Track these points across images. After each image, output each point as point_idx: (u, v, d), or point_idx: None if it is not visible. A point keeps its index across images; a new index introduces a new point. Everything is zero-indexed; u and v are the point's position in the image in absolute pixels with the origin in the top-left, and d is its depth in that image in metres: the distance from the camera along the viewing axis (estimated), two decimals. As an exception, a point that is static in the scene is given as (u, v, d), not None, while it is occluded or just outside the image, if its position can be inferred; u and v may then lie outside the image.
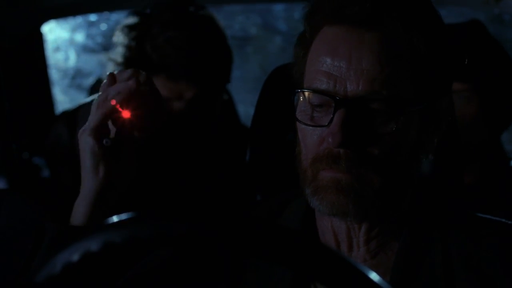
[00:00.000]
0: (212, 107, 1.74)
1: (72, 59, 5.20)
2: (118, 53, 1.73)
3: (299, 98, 1.01)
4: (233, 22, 6.06)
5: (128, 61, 1.71)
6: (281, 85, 1.12)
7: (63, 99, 4.76)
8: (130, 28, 1.74)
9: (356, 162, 0.96)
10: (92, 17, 4.80)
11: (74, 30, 5.11)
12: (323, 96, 0.98)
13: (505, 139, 1.91)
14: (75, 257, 0.68)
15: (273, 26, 6.15)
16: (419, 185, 1.06)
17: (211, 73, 1.70)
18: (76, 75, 5.18)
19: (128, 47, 1.71)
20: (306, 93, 0.99)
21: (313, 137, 0.99)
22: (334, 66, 0.97)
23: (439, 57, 0.99)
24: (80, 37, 5.15)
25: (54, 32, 4.86)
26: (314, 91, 0.99)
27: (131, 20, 1.76)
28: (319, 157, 0.99)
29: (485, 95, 1.87)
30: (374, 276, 0.65)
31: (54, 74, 4.63)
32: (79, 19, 4.93)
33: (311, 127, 1.00)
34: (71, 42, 5.17)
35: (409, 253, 1.02)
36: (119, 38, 1.74)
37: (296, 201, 1.12)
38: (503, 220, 1.06)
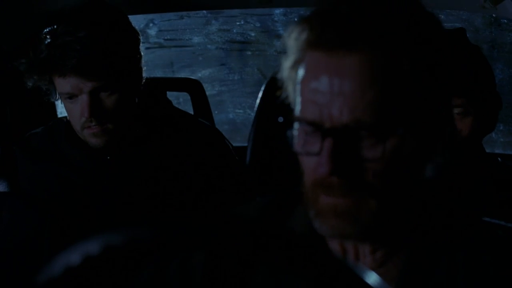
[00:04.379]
0: (122, 99, 1.76)
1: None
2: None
3: (295, 124, 1.02)
4: (232, 26, 6.07)
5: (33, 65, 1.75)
6: (281, 88, 1.12)
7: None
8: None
9: (349, 188, 0.96)
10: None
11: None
12: (310, 125, 0.98)
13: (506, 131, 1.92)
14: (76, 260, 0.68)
15: (272, 30, 6.16)
16: (427, 194, 1.07)
17: (103, 67, 1.71)
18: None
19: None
20: (298, 121, 1.00)
21: (309, 164, 1.00)
22: (318, 93, 0.96)
23: (428, 74, 0.97)
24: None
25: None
26: (304, 120, 0.99)
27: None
28: (316, 182, 0.99)
29: (479, 107, 1.88)
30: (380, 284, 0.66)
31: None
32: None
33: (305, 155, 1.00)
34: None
35: (415, 263, 1.03)
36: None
37: (302, 205, 1.12)
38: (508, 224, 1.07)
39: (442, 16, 5.01)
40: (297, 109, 1.00)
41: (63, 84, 1.72)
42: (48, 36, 1.71)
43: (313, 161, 0.98)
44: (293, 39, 1.00)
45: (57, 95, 1.78)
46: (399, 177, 0.98)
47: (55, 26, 1.72)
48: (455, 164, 1.30)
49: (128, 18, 1.83)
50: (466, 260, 1.02)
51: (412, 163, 0.99)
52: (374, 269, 1.04)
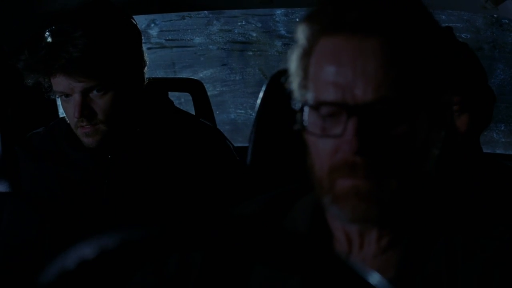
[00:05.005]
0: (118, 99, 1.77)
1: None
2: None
3: (307, 111, 1.02)
4: (233, 26, 6.07)
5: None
6: (282, 88, 1.12)
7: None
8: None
9: (374, 168, 0.97)
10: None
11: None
12: (333, 107, 0.99)
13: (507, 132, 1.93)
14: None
15: (273, 31, 6.17)
16: (429, 181, 1.08)
17: (95, 67, 1.72)
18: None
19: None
20: (315, 105, 1.00)
21: (326, 148, 1.00)
22: (340, 75, 0.97)
23: (438, 56, 1.01)
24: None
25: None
26: (324, 103, 0.99)
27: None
28: (335, 166, 0.99)
29: (475, 103, 1.89)
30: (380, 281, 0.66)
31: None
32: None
33: (323, 138, 1.00)
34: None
35: (414, 248, 1.04)
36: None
37: (302, 200, 1.12)
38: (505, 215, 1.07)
39: (443, 17, 5.01)
40: (312, 95, 1.00)
41: (56, 83, 1.73)
42: (46, 35, 1.72)
43: (332, 144, 0.98)
44: (303, 29, 1.02)
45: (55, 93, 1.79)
46: (417, 158, 1.00)
47: (54, 26, 1.72)
48: (453, 160, 1.31)
49: (131, 19, 1.83)
50: (464, 244, 1.03)
51: (426, 145, 1.01)
52: (377, 256, 1.05)
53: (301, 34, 1.02)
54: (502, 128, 5.37)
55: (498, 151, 4.55)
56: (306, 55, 1.02)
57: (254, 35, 6.18)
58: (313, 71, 1.01)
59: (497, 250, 1.02)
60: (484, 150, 2.06)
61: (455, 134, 1.34)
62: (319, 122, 1.00)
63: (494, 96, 1.94)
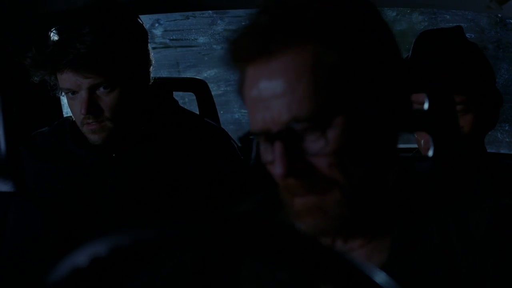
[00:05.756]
0: (125, 96, 1.77)
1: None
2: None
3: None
4: (238, 26, 6.06)
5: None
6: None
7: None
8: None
9: (309, 185, 0.99)
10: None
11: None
12: (261, 136, 1.01)
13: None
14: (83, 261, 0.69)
15: (277, 30, 6.14)
16: (404, 171, 1.08)
17: (102, 64, 1.72)
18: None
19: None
20: (253, 136, 1.03)
21: (272, 172, 1.02)
22: (258, 102, 1.00)
23: (365, 67, 0.99)
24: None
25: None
26: (254, 133, 1.02)
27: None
28: (285, 188, 1.02)
29: (480, 104, 1.88)
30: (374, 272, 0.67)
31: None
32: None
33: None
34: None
35: (406, 230, 1.05)
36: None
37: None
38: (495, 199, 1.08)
39: (448, 16, 5.01)
40: (251, 124, 1.03)
41: (63, 80, 1.74)
42: (54, 32, 1.72)
43: (273, 169, 1.01)
44: (228, 60, 1.04)
45: (61, 91, 1.80)
46: (354, 164, 1.00)
47: (62, 23, 1.73)
48: (456, 159, 1.31)
49: (138, 18, 1.83)
50: (456, 222, 1.04)
51: (364, 149, 1.01)
52: (365, 245, 1.07)
53: (232, 64, 1.05)
54: (507, 128, 5.36)
55: (502, 151, 4.54)
56: (239, 85, 1.05)
57: (258, 35, 6.16)
58: (245, 101, 1.04)
59: (489, 221, 1.02)
60: (488, 150, 2.06)
61: (459, 133, 1.33)
62: (261, 149, 1.03)
63: (500, 98, 1.94)
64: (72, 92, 1.75)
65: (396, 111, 1.03)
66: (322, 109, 0.97)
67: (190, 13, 5.82)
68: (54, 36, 1.72)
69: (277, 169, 0.98)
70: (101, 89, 1.73)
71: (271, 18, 1.00)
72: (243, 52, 1.01)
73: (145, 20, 1.89)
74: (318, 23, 0.98)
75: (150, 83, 1.85)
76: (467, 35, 1.98)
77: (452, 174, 1.28)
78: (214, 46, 6.15)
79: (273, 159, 0.99)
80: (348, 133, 0.98)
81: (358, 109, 0.99)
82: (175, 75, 5.80)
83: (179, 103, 2.02)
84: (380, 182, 1.04)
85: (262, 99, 0.99)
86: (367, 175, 1.02)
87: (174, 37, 6.12)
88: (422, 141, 1.92)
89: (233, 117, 6.07)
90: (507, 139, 5.50)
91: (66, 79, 1.73)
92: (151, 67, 1.85)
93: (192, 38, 6.14)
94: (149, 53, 1.84)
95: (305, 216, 1.01)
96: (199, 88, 2.90)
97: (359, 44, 0.99)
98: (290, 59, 0.98)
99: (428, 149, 1.35)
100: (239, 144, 1.95)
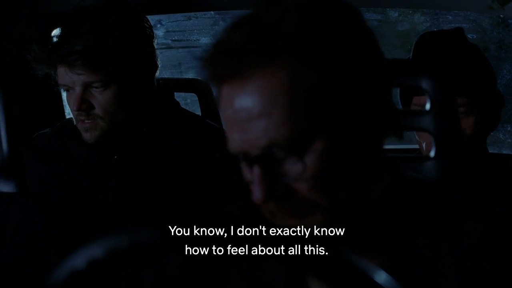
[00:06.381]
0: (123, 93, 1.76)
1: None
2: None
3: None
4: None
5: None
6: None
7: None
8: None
9: (289, 208, 0.97)
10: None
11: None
12: (240, 156, 0.99)
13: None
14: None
15: (279, 31, 6.13)
16: (393, 178, 1.07)
17: (97, 62, 1.72)
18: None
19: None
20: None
21: (253, 194, 1.00)
22: (235, 124, 0.97)
23: (337, 85, 0.95)
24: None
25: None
26: (233, 153, 0.99)
27: None
28: (263, 209, 1.00)
29: (482, 106, 1.88)
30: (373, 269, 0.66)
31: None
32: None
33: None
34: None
35: (396, 247, 1.04)
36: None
37: None
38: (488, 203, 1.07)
39: (450, 17, 5.00)
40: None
41: (59, 75, 1.75)
42: (55, 30, 1.73)
43: (252, 191, 0.98)
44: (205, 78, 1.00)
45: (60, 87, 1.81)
46: (335, 187, 0.97)
47: (67, 19, 1.74)
48: (459, 162, 1.31)
49: (145, 20, 1.83)
50: (448, 234, 1.02)
51: (345, 170, 0.97)
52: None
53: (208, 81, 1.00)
54: (509, 128, 5.35)
55: (504, 152, 4.53)
56: (218, 103, 1.01)
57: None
58: (222, 120, 1.02)
59: (482, 232, 1.01)
60: (490, 151, 2.06)
61: (461, 136, 1.33)
62: (244, 169, 1.00)
63: (502, 99, 1.93)
64: (67, 89, 1.76)
65: (380, 123, 0.99)
66: (299, 135, 0.94)
67: (192, 13, 5.82)
68: (56, 32, 1.73)
69: (256, 194, 0.95)
70: (95, 87, 1.74)
71: (244, 37, 0.94)
72: (216, 71, 0.97)
73: (147, 21, 1.89)
74: (293, 40, 0.93)
75: (154, 86, 1.84)
76: (469, 36, 1.98)
77: (454, 177, 1.27)
78: (216, 46, 6.14)
79: (252, 180, 0.97)
80: (327, 157, 0.95)
81: (337, 130, 0.95)
82: (177, 75, 5.80)
83: (181, 104, 2.02)
84: (365, 199, 1.02)
85: (238, 120, 0.96)
86: (350, 195, 0.98)
87: (176, 38, 6.11)
88: (424, 144, 1.91)
89: (235, 117, 6.06)
90: (509, 140, 5.49)
91: (62, 75, 1.74)
92: (156, 70, 1.84)
93: (194, 38, 6.14)
94: (153, 57, 1.83)
95: None
96: (201, 89, 2.89)
97: (338, 60, 0.94)
98: (264, 81, 0.93)
99: (429, 152, 1.35)
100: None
